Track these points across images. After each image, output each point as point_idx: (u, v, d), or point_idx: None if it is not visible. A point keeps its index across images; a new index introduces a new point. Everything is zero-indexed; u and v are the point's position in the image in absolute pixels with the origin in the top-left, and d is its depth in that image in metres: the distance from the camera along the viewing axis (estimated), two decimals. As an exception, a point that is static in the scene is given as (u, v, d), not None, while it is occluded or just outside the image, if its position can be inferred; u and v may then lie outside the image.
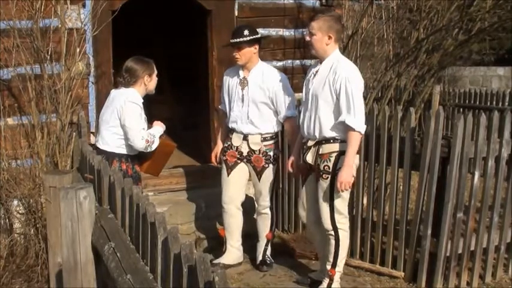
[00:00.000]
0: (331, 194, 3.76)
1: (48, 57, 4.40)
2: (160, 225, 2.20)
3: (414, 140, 4.24)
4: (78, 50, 4.45)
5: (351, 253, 4.70)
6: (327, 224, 3.83)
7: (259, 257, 4.44)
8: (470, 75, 13.03)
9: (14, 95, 4.56)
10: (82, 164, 3.86)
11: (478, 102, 9.70)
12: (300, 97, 4.25)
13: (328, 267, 3.91)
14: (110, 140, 3.88)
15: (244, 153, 4.28)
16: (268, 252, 4.45)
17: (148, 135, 3.87)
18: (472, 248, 4.28)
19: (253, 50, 4.15)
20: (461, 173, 4.05)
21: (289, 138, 4.40)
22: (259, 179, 4.31)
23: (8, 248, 4.36)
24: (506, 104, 9.24)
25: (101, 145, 3.92)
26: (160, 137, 4.03)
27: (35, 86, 4.44)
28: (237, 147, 4.30)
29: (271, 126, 4.26)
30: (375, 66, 6.14)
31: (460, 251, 4.20)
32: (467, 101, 9.85)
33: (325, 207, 3.81)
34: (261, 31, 5.55)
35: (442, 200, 4.05)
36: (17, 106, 4.57)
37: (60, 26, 4.42)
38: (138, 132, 3.80)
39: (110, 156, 3.80)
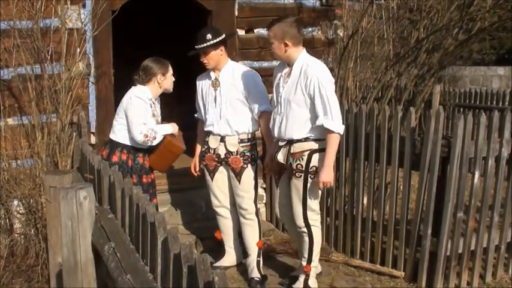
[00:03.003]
0: (304, 193, 3.82)
1: (49, 57, 4.40)
2: (160, 225, 2.20)
3: (414, 140, 4.24)
4: (78, 50, 4.44)
5: (351, 253, 4.72)
6: (300, 221, 3.89)
7: (252, 274, 4.24)
8: (471, 74, 13.01)
9: (14, 95, 4.56)
10: (82, 164, 3.87)
11: (478, 102, 9.67)
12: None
13: (304, 263, 3.97)
14: (117, 130, 4.14)
15: (222, 156, 4.20)
16: (261, 264, 4.26)
17: (148, 131, 4.02)
18: (473, 248, 4.29)
19: (220, 52, 4.11)
20: (462, 173, 4.06)
21: (264, 133, 4.20)
22: (239, 181, 4.19)
23: (9, 248, 4.36)
24: (507, 103, 9.23)
25: (110, 134, 4.19)
26: (173, 136, 4.20)
27: (35, 86, 4.44)
28: (214, 149, 4.22)
29: (247, 126, 4.17)
30: (375, 66, 6.13)
31: (460, 251, 4.20)
32: (467, 101, 9.83)
33: (298, 206, 3.87)
34: (262, 31, 5.57)
35: (442, 200, 4.06)
36: (18, 106, 4.57)
37: (60, 26, 4.41)
38: (137, 126, 4.00)
39: (114, 145, 4.13)
